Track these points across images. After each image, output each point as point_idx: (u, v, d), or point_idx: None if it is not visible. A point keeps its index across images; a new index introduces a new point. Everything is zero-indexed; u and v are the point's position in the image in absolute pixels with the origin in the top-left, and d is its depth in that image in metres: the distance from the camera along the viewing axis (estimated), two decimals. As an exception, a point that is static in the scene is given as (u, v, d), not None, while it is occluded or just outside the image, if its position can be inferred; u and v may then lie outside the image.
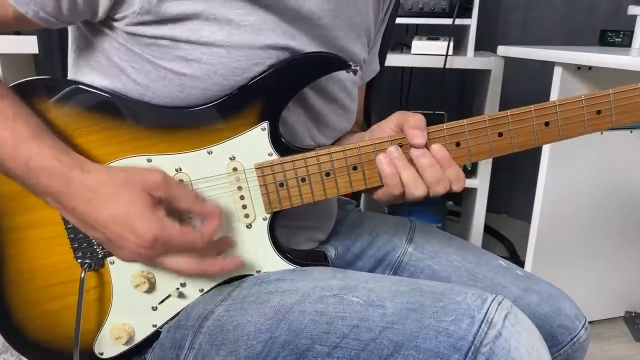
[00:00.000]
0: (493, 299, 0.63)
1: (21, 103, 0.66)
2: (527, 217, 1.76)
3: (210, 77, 0.69)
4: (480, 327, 0.59)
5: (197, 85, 0.69)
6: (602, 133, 1.62)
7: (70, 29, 0.77)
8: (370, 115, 1.10)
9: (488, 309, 0.61)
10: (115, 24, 0.69)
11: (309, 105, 0.78)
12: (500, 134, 0.71)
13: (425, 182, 0.70)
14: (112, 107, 0.71)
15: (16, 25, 0.68)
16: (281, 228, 0.77)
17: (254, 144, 0.71)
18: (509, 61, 1.85)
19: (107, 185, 0.64)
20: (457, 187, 0.71)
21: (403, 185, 0.70)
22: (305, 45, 0.74)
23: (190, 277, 0.73)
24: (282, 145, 0.72)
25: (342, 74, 0.79)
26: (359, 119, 1.03)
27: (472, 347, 0.58)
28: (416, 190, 0.70)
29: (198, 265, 0.68)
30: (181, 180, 0.71)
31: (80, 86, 0.71)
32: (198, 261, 0.68)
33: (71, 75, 0.79)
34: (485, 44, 2.23)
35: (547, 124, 0.71)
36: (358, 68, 0.74)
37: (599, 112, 0.71)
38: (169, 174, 0.69)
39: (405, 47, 2.08)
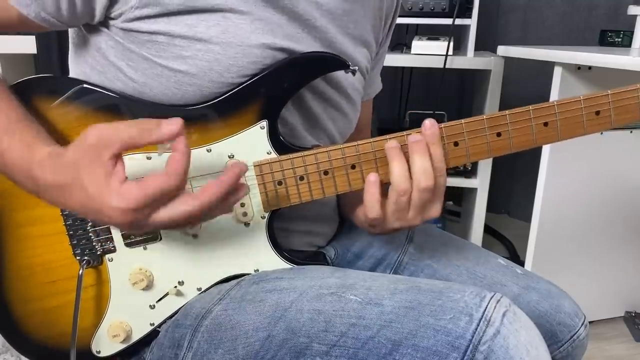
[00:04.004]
0: (491, 297, 0.62)
1: (3, 95, 0.66)
2: (527, 217, 1.76)
3: (206, 74, 0.69)
4: (478, 325, 0.59)
5: (193, 82, 0.69)
6: (602, 133, 1.61)
7: (69, 30, 0.78)
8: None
9: (486, 307, 0.61)
10: (112, 22, 0.70)
11: (307, 108, 0.78)
12: (498, 134, 0.71)
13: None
14: (113, 106, 0.71)
15: (21, 27, 0.69)
16: (281, 231, 0.77)
17: (252, 142, 0.71)
18: (509, 61, 1.85)
19: (61, 174, 0.61)
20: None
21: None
22: (306, 47, 0.74)
23: (202, 218, 0.65)
24: (280, 144, 0.72)
25: (342, 78, 0.80)
26: (367, 135, 1.03)
27: (471, 346, 0.58)
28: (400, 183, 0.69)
29: (193, 200, 0.60)
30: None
31: (82, 85, 0.71)
32: (189, 198, 0.60)
33: (72, 73, 0.79)
34: (485, 44, 2.23)
35: (546, 124, 0.71)
36: (357, 69, 0.74)
37: (597, 112, 0.71)
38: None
39: (405, 47, 2.08)
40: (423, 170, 0.69)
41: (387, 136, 0.71)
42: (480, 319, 0.60)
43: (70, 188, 0.61)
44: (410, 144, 0.69)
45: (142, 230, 0.63)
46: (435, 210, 0.72)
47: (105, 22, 0.71)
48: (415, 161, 0.69)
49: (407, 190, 0.69)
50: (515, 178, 2.70)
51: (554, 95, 1.56)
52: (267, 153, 0.72)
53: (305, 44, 0.74)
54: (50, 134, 0.67)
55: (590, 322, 0.84)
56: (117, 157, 0.59)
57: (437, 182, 0.70)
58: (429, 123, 0.70)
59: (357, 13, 0.81)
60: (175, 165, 0.59)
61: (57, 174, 0.61)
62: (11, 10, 0.67)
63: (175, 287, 0.74)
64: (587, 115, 0.71)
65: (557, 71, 1.54)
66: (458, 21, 1.85)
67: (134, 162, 0.70)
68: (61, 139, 0.69)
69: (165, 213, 0.60)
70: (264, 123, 0.71)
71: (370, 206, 0.71)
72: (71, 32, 0.78)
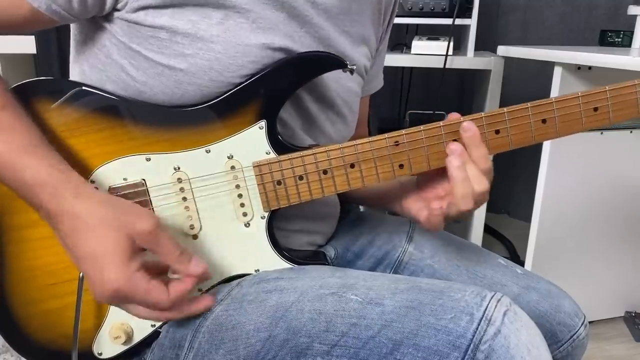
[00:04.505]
0: (492, 297, 0.63)
1: (22, 113, 0.66)
2: (527, 217, 1.76)
3: (206, 73, 0.69)
4: (479, 324, 0.59)
5: (193, 81, 0.69)
6: (602, 133, 1.62)
7: (71, 26, 0.77)
8: (369, 121, 1.10)
9: (487, 307, 0.61)
10: (116, 13, 0.69)
11: (305, 110, 0.78)
12: (497, 132, 0.72)
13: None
14: (112, 108, 0.71)
15: (31, 24, 0.69)
16: (281, 231, 0.77)
17: (251, 142, 0.71)
18: (509, 61, 1.85)
19: (93, 217, 0.61)
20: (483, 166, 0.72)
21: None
22: (304, 46, 0.74)
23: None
24: (279, 143, 0.72)
25: (340, 80, 0.80)
26: (364, 133, 1.04)
27: (471, 345, 0.58)
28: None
29: (160, 315, 0.66)
30: (179, 179, 0.71)
31: (82, 88, 0.71)
32: (161, 312, 0.66)
33: (72, 71, 0.80)
34: (485, 44, 2.23)
35: (544, 121, 0.71)
36: (355, 67, 0.74)
37: (596, 109, 0.71)
38: (166, 174, 0.70)
39: (405, 47, 2.08)
40: (475, 175, 0.71)
41: (385, 135, 0.72)
42: (481, 318, 0.60)
43: (91, 231, 0.61)
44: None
45: (109, 304, 0.69)
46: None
47: (109, 17, 0.71)
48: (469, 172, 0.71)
49: (470, 209, 0.72)
50: (515, 178, 2.69)
51: (554, 95, 1.56)
52: (266, 153, 0.72)
53: (304, 43, 0.74)
54: (47, 136, 0.67)
55: (590, 322, 0.84)
56: (142, 249, 0.63)
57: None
58: (467, 125, 0.71)
59: (354, 11, 0.81)
60: (177, 294, 0.64)
61: (91, 211, 0.62)
62: (23, 6, 0.67)
63: (176, 287, 0.74)
64: (585, 112, 0.71)
65: (557, 71, 1.54)
66: (458, 21, 1.85)
67: (134, 163, 0.70)
68: (60, 142, 0.69)
69: (138, 312, 0.66)
70: (263, 123, 0.71)
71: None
72: (74, 30, 0.78)
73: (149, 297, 0.63)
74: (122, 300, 0.63)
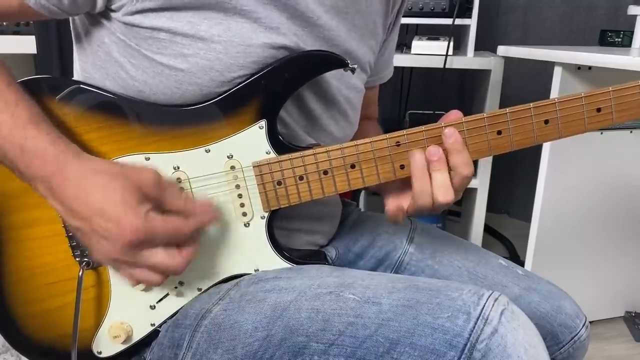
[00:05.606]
0: (489, 295, 0.62)
1: (25, 92, 0.67)
2: (527, 217, 1.76)
3: (207, 73, 0.69)
4: (476, 323, 0.59)
5: (193, 81, 0.69)
6: (602, 133, 1.62)
7: (72, 23, 0.77)
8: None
9: (484, 306, 0.61)
10: (113, 14, 0.69)
11: (307, 109, 0.78)
12: (499, 132, 0.71)
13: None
14: (111, 106, 0.71)
15: (21, 16, 0.69)
16: (281, 230, 0.77)
17: (251, 142, 0.71)
18: (509, 61, 1.85)
19: (100, 173, 0.63)
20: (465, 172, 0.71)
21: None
22: (308, 46, 0.74)
23: (178, 274, 0.69)
24: (280, 143, 0.72)
25: (342, 78, 0.80)
26: (374, 114, 1.05)
27: (468, 344, 0.58)
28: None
29: (177, 260, 0.64)
30: (179, 179, 0.71)
31: (80, 86, 0.71)
32: (179, 252, 0.65)
33: (75, 68, 0.80)
34: (485, 44, 2.23)
35: (546, 122, 0.71)
36: (356, 67, 0.74)
37: (598, 109, 0.71)
38: (165, 174, 0.70)
39: (405, 47, 2.08)
40: (442, 185, 0.70)
41: (386, 135, 0.71)
42: (478, 317, 0.60)
43: (100, 186, 0.62)
44: (431, 162, 0.70)
45: (122, 259, 0.63)
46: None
47: (107, 15, 0.70)
48: (437, 179, 0.71)
49: (429, 206, 0.72)
50: (515, 178, 2.69)
51: (554, 96, 1.56)
52: (267, 153, 0.72)
53: (307, 43, 0.74)
54: None
55: (590, 322, 0.84)
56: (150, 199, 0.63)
57: (458, 189, 0.72)
58: (449, 131, 0.70)
59: (360, 2, 0.80)
60: (197, 223, 0.65)
61: (96, 169, 0.63)
62: None
63: (176, 287, 0.74)
64: (588, 113, 0.71)
65: (557, 71, 1.54)
66: (458, 21, 1.85)
67: (133, 162, 0.70)
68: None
69: (158, 256, 0.63)
70: (263, 123, 0.71)
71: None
72: (74, 32, 0.78)
73: (169, 225, 0.63)
74: (144, 241, 0.62)
